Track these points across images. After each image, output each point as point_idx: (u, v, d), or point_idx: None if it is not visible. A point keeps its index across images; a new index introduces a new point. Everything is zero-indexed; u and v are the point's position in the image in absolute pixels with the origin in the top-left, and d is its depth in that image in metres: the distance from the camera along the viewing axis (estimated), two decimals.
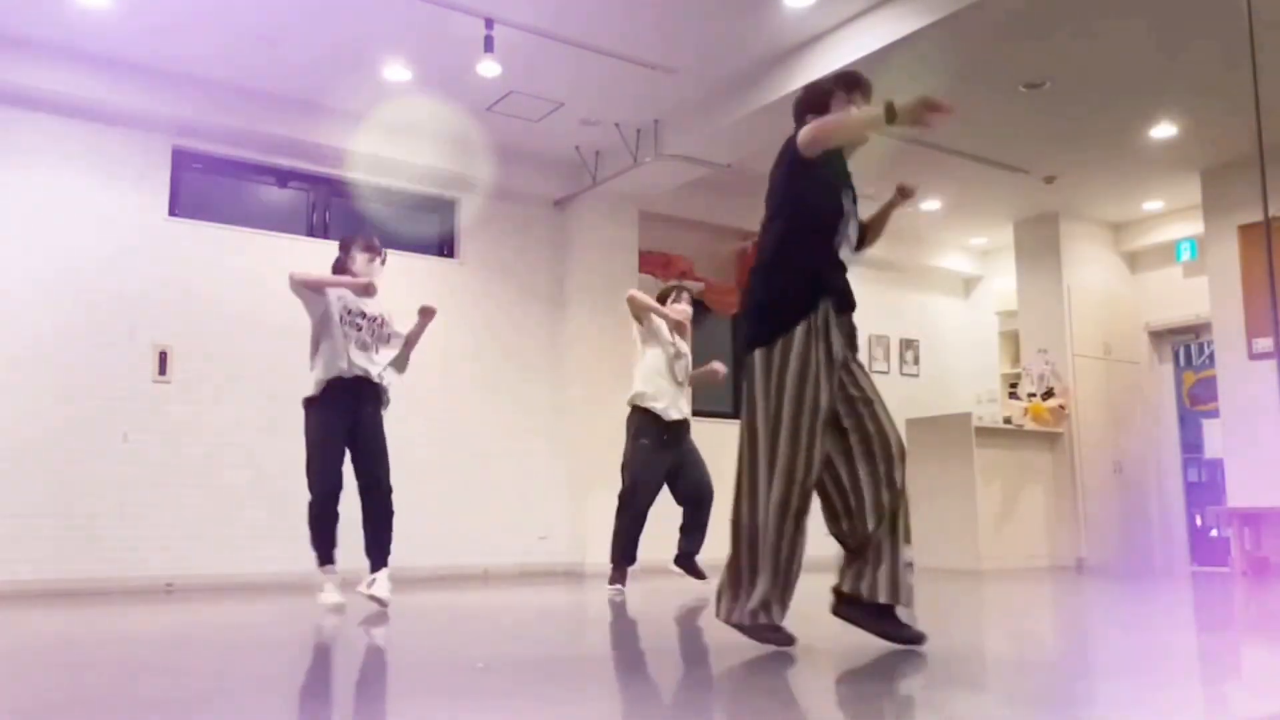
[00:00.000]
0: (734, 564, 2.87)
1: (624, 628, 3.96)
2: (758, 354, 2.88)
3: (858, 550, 2.87)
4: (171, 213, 6.43)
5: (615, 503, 5.40)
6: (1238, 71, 5.26)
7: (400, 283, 7.18)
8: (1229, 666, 2.99)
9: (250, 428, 6.33)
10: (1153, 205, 8.57)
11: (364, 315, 4.48)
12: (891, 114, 2.78)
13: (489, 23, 5.51)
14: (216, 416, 6.29)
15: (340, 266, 4.58)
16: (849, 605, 2.91)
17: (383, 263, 4.62)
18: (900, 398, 9.36)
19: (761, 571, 2.80)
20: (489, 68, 5.80)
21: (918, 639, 2.84)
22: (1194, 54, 5.81)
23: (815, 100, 3.14)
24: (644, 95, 6.51)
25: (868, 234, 3.24)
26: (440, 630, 3.80)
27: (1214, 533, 8.67)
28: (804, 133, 2.98)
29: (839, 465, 2.89)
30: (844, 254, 3.03)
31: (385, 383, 4.55)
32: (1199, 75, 6.08)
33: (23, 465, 5.73)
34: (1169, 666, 2.83)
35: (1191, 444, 8.86)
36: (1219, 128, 6.77)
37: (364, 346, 4.46)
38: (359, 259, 4.54)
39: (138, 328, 6.16)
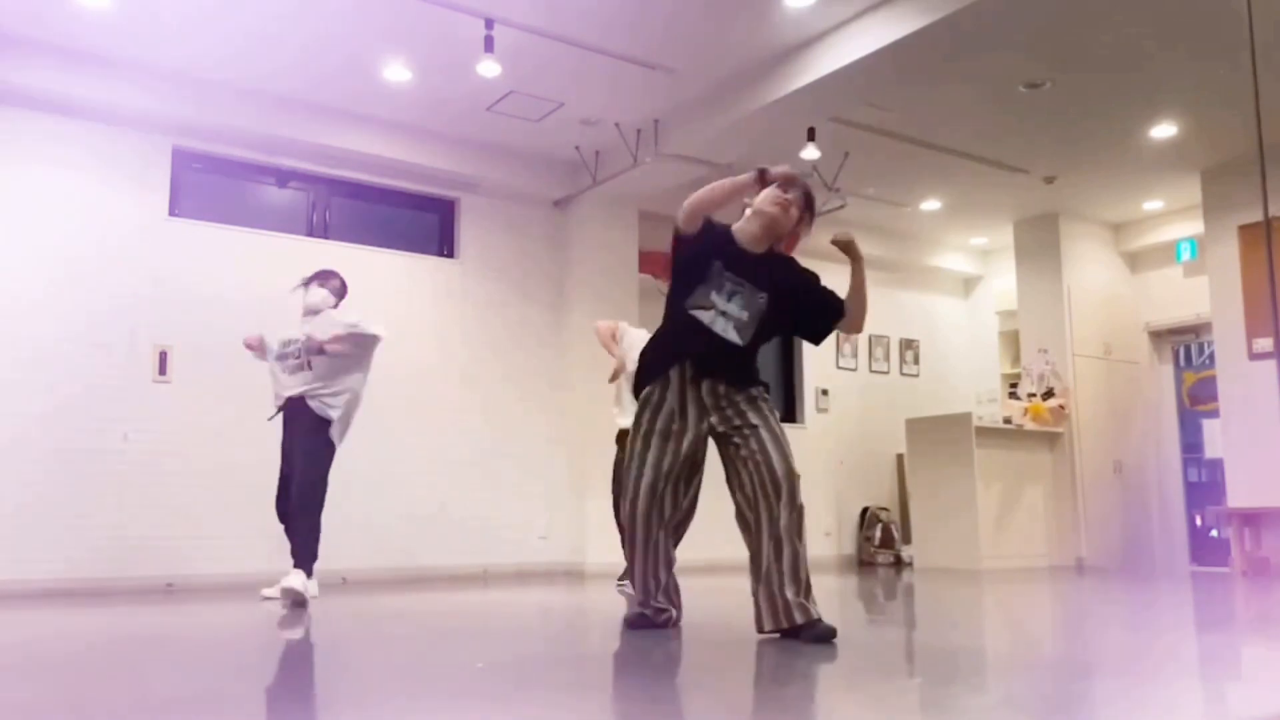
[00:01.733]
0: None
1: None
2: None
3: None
4: (171, 212, 6.43)
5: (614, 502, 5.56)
6: (1238, 71, 5.26)
7: (400, 283, 7.20)
8: (1229, 666, 2.99)
9: (250, 427, 6.32)
10: (1153, 205, 8.57)
11: (291, 343, 4.86)
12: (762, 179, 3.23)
13: (489, 23, 5.51)
14: (216, 416, 6.29)
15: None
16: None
17: (334, 295, 5.00)
18: (900, 398, 9.40)
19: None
20: (489, 68, 5.80)
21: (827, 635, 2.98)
22: (1194, 54, 5.81)
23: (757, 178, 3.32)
24: (644, 95, 6.51)
25: (850, 308, 3.31)
26: (440, 630, 3.80)
27: (1214, 533, 8.67)
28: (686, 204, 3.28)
29: (736, 486, 3.15)
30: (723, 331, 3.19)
31: (317, 404, 4.76)
32: (1199, 75, 6.08)
33: (22, 465, 5.73)
34: (1169, 666, 2.83)
35: (1191, 444, 8.86)
36: (1219, 128, 6.78)
37: (296, 370, 4.80)
38: (310, 288, 4.97)
39: (138, 328, 6.16)
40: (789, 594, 3.01)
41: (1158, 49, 5.77)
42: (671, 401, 3.17)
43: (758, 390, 3.19)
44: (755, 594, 3.08)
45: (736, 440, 3.13)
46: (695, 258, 3.24)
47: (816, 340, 3.41)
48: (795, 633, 3.01)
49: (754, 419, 3.13)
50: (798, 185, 3.28)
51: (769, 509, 3.04)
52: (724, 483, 3.22)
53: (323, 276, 5.01)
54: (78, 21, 5.56)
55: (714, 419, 3.16)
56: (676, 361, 3.18)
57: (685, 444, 3.16)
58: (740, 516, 3.15)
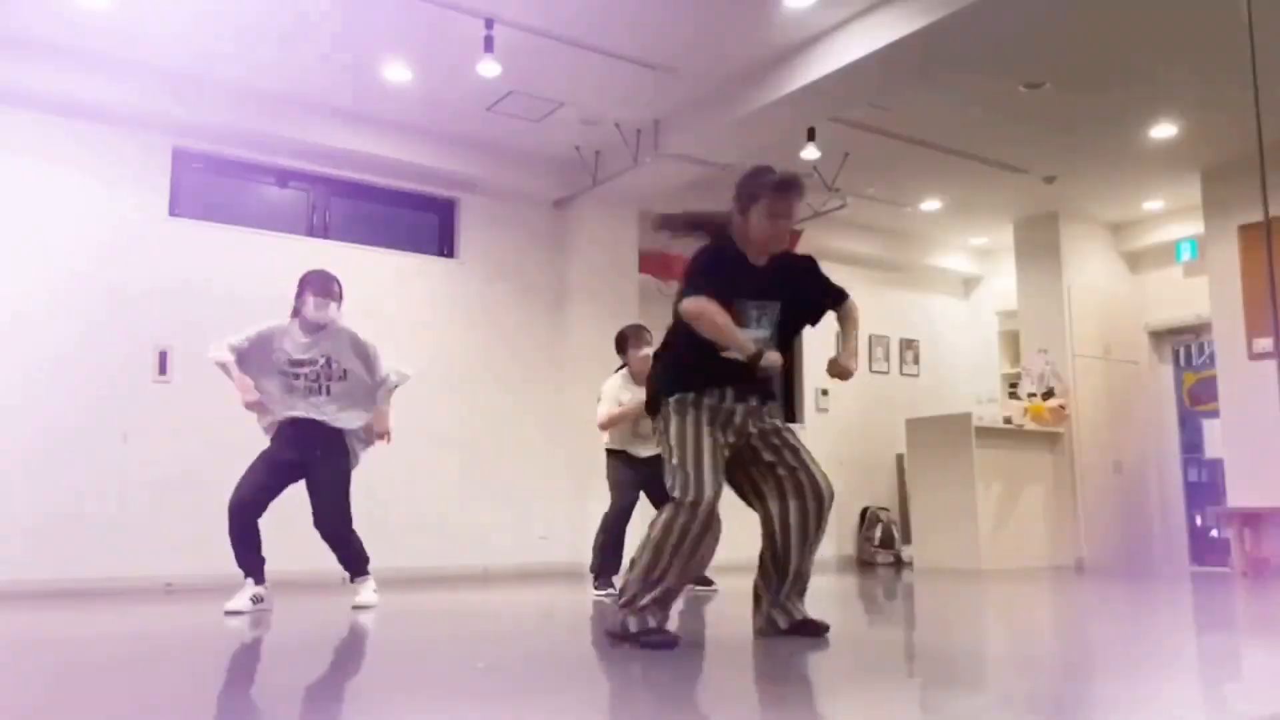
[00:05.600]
0: None
1: None
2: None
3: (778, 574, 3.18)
4: (171, 212, 6.43)
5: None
6: (1238, 71, 5.25)
7: (401, 283, 7.20)
8: (1229, 666, 2.99)
9: (250, 428, 6.31)
10: (1153, 205, 8.57)
11: (301, 364, 4.39)
12: (754, 359, 2.98)
13: (489, 23, 5.52)
14: (216, 416, 6.28)
15: (295, 310, 4.47)
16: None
17: (338, 303, 4.45)
18: (900, 398, 9.40)
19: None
20: (489, 68, 5.79)
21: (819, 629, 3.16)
22: (1194, 54, 5.81)
23: (746, 194, 3.14)
24: (644, 95, 6.51)
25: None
26: (440, 630, 3.80)
27: (1214, 533, 8.66)
28: (689, 305, 3.05)
29: (771, 503, 3.16)
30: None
31: (341, 426, 4.45)
32: (1199, 75, 6.07)
33: (23, 465, 5.73)
34: (1169, 666, 2.83)
35: (1191, 444, 8.86)
36: (1219, 128, 6.77)
37: (308, 393, 4.40)
38: (310, 301, 4.38)
39: (138, 328, 6.16)
40: (799, 599, 3.20)
41: (1158, 49, 5.77)
42: (710, 418, 3.08)
43: (775, 403, 3.23)
44: (768, 596, 3.19)
45: (771, 456, 3.15)
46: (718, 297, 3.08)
47: (815, 321, 3.35)
48: (798, 629, 3.14)
49: (789, 436, 3.18)
50: (787, 192, 3.11)
51: (809, 523, 3.11)
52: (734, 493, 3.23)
53: (324, 289, 4.42)
54: (78, 21, 5.56)
55: (753, 433, 3.15)
56: (714, 384, 3.08)
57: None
58: (775, 523, 3.16)
